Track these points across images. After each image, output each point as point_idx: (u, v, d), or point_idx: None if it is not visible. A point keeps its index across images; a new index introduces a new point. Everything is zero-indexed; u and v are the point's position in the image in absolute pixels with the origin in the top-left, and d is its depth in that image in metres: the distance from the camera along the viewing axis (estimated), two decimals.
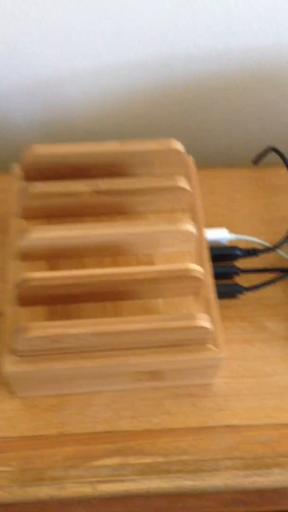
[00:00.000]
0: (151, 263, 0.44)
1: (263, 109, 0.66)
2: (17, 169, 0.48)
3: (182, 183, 0.44)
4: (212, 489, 0.42)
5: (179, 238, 0.42)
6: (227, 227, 0.55)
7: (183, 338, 0.39)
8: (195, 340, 0.39)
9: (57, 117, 0.66)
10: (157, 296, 0.42)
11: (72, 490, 0.41)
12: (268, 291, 0.50)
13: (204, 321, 0.37)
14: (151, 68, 0.61)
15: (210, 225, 0.55)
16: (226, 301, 0.49)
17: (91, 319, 0.37)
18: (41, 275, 0.38)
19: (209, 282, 0.43)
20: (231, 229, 0.54)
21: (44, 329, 0.36)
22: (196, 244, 0.45)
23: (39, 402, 0.45)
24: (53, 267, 0.44)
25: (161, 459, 0.42)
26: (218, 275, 0.47)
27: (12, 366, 0.38)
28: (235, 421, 0.44)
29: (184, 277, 0.39)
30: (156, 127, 0.67)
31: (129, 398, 0.45)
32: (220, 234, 0.49)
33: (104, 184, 0.43)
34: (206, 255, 0.44)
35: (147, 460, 0.42)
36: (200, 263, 0.44)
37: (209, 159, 0.69)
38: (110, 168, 0.47)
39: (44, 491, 0.41)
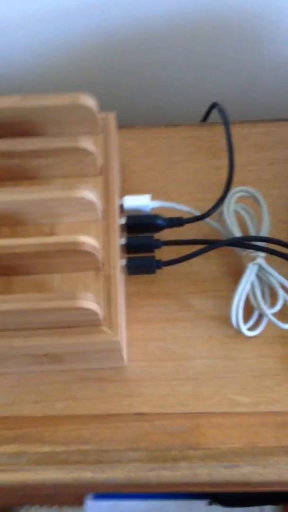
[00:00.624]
0: (52, 234, 0.39)
1: (210, 60, 0.59)
2: None
3: (86, 144, 0.39)
4: (113, 481, 0.38)
5: (78, 206, 0.37)
6: (160, 194, 0.49)
7: (70, 319, 0.35)
8: (86, 322, 0.35)
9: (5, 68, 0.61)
10: (52, 271, 0.38)
11: None
12: (198, 265, 0.45)
13: (86, 302, 0.33)
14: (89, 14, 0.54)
15: (142, 191, 0.49)
16: (151, 276, 0.45)
17: None
18: None
19: (114, 256, 0.38)
20: (165, 196, 0.49)
21: None
22: (104, 213, 0.40)
23: None
24: None
25: (60, 448, 0.39)
26: (136, 248, 0.42)
27: None
28: (145, 408, 0.40)
29: (74, 251, 0.35)
30: (98, 76, 0.61)
31: (34, 381, 0.41)
32: (141, 202, 0.43)
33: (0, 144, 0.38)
34: (115, 225, 0.39)
35: (45, 449, 0.39)
36: (106, 235, 0.39)
37: (152, 118, 0.63)
38: (15, 127, 0.42)
39: None
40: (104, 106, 0.45)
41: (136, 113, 0.65)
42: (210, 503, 0.72)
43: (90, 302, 0.33)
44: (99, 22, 0.55)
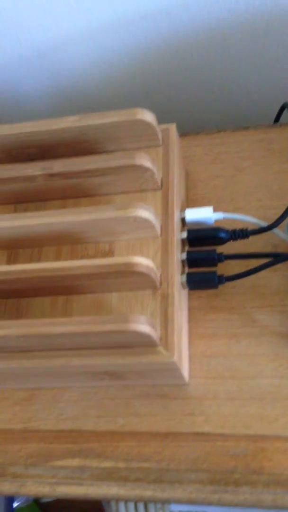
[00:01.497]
0: (111, 252, 0.40)
1: (280, 57, 0.56)
2: None
3: (142, 160, 0.38)
4: (173, 501, 0.38)
5: (134, 224, 0.37)
6: (227, 202, 0.48)
7: (125, 340, 0.35)
8: (141, 343, 0.35)
9: (63, 83, 0.62)
10: (109, 291, 0.38)
11: (31, 488, 0.40)
12: (265, 278, 0.43)
13: (140, 325, 0.32)
14: (150, 20, 0.54)
15: (208, 199, 0.48)
16: (215, 290, 0.43)
17: (20, 321, 0.34)
18: None
19: (172, 274, 0.37)
20: (232, 204, 0.47)
21: None
22: (163, 229, 0.39)
23: (10, 395, 0.44)
24: (11, 257, 0.42)
25: (121, 465, 0.39)
26: (198, 262, 0.41)
27: None
28: (206, 428, 0.39)
29: (128, 272, 0.34)
30: (163, 84, 0.60)
31: (98, 395, 0.42)
32: (203, 214, 0.42)
33: (57, 165, 0.39)
34: (174, 241, 0.39)
35: (107, 464, 0.39)
36: (165, 251, 0.38)
37: (218, 122, 0.61)
38: (75, 145, 0.42)
39: (6, 487, 0.41)
40: (171, 114, 0.44)
41: (205, 120, 0.63)
42: None
43: (143, 326, 0.33)
44: (161, 29, 0.54)
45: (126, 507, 0.88)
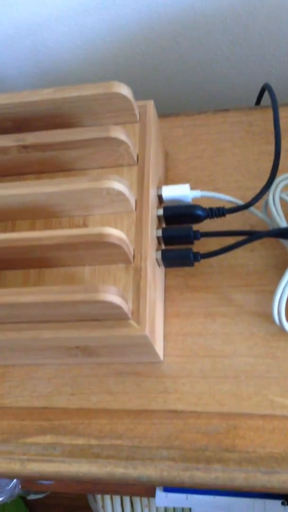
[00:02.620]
0: (85, 225, 0.39)
1: (264, 40, 0.55)
2: None
3: (117, 133, 0.38)
4: (145, 479, 0.37)
5: (108, 197, 0.37)
6: (207, 183, 0.47)
7: (96, 312, 0.34)
8: (113, 315, 0.34)
9: (45, 64, 0.61)
10: (82, 264, 0.37)
11: (1, 465, 0.40)
12: (242, 257, 0.43)
13: (110, 295, 0.32)
14: None
15: (187, 180, 0.48)
16: (192, 269, 0.43)
17: None
18: None
19: (146, 249, 0.37)
20: (211, 185, 0.47)
21: None
22: (138, 204, 0.39)
23: None
24: None
25: (93, 442, 0.39)
26: (174, 240, 0.41)
27: None
28: (180, 406, 0.38)
29: (100, 243, 0.34)
30: (144, 65, 0.60)
31: (72, 373, 0.41)
32: (181, 191, 0.42)
33: (31, 138, 0.39)
34: (148, 216, 0.38)
35: (79, 441, 0.39)
36: (139, 226, 0.38)
37: (200, 105, 0.61)
38: (51, 119, 0.42)
39: None
40: (152, 95, 0.44)
41: (186, 102, 0.63)
42: (283, 504, 0.69)
43: (113, 296, 0.32)
44: (143, 10, 0.54)
45: (112, 504, 0.87)
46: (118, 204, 0.38)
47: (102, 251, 0.36)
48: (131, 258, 0.37)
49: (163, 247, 0.41)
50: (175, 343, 0.41)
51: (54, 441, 0.39)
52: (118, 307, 0.33)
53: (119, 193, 0.37)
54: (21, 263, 0.38)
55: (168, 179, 0.48)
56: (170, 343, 0.41)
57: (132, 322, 0.35)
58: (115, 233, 0.34)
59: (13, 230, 0.40)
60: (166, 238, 0.41)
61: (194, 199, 0.43)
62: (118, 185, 0.36)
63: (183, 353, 0.40)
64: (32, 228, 0.40)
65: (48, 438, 0.39)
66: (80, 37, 0.57)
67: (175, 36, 0.56)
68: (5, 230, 0.40)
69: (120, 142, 0.38)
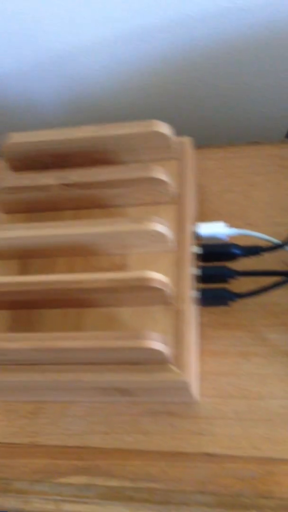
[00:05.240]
0: (124, 265, 0.39)
1: None
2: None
3: (158, 173, 0.38)
4: None
5: (148, 238, 0.37)
6: (239, 217, 0.47)
7: (137, 357, 0.34)
8: (153, 360, 0.34)
9: (77, 93, 0.62)
10: (122, 305, 0.37)
11: (36, 505, 0.39)
12: (276, 296, 0.42)
13: (153, 342, 0.32)
14: (167, 32, 0.53)
15: (220, 214, 0.48)
16: (225, 307, 0.43)
17: (27, 334, 0.34)
18: None
19: (185, 289, 0.37)
20: (244, 220, 0.47)
21: None
22: (177, 243, 0.39)
23: (17, 407, 0.43)
24: (24, 267, 0.41)
25: (128, 484, 0.38)
26: (210, 278, 0.41)
27: None
28: (215, 449, 0.38)
29: (142, 287, 0.34)
30: (177, 96, 0.60)
31: (105, 411, 0.41)
32: (216, 229, 0.42)
33: (73, 176, 0.39)
34: (187, 256, 0.38)
35: (114, 483, 0.39)
36: (178, 266, 0.38)
37: (230, 136, 0.61)
38: (91, 155, 0.42)
39: (11, 503, 0.40)
40: (184, 126, 0.44)
41: (217, 132, 0.63)
42: None
43: (157, 343, 0.32)
44: (176, 42, 0.54)
45: None
46: (158, 244, 0.38)
47: (143, 294, 0.35)
48: (171, 299, 0.37)
49: (198, 285, 0.41)
50: (209, 383, 0.41)
51: (88, 482, 0.39)
52: (161, 353, 0.33)
53: (161, 235, 0.37)
54: (60, 303, 0.38)
55: (200, 212, 0.48)
56: (204, 383, 0.41)
57: (173, 367, 0.35)
58: (157, 277, 0.34)
59: (52, 267, 0.40)
60: (203, 277, 0.40)
61: (229, 236, 0.43)
62: (161, 228, 0.36)
63: (218, 393, 0.40)
64: (71, 265, 0.40)
65: (82, 479, 0.39)
66: (113, 68, 0.58)
67: (206, 67, 0.56)
68: (43, 267, 0.40)
69: (161, 182, 0.38)
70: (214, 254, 0.41)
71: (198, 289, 0.40)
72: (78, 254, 0.40)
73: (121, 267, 0.39)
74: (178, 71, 0.57)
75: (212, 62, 0.55)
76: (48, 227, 0.37)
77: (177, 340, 0.36)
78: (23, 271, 0.40)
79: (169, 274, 0.37)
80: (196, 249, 0.41)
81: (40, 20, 0.53)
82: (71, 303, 0.38)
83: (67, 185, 0.39)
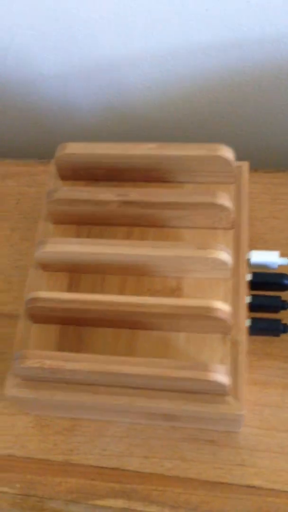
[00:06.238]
0: (178, 288, 0.38)
1: None
2: (52, 166, 0.45)
3: (223, 200, 0.37)
4: None
5: (210, 265, 0.36)
6: (284, 245, 0.47)
7: (196, 387, 0.33)
8: (211, 390, 0.33)
9: (117, 101, 0.61)
10: (178, 330, 0.37)
11: None
12: None
13: (219, 375, 0.31)
14: (219, 51, 0.53)
15: (266, 241, 0.47)
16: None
17: (90, 355, 0.33)
18: (49, 295, 0.35)
19: (242, 319, 0.36)
20: None
21: (41, 360, 0.33)
22: (233, 270, 0.38)
23: (52, 423, 0.42)
24: (72, 281, 0.40)
25: (167, 511, 0.37)
26: (260, 307, 0.40)
27: (13, 390, 0.36)
28: (258, 481, 0.38)
29: (206, 315, 0.33)
30: (222, 116, 0.60)
31: (144, 433, 0.40)
32: (269, 258, 0.41)
33: (133, 194, 0.38)
34: (243, 284, 0.38)
35: (153, 509, 0.38)
36: (235, 294, 0.37)
37: (274, 161, 0.61)
38: (147, 173, 0.41)
39: None
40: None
41: (263, 157, 0.62)
42: None
43: (221, 376, 0.32)
44: (226, 60, 0.53)
45: None
46: (217, 271, 0.37)
47: (205, 322, 0.35)
48: (230, 329, 0.36)
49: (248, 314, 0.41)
50: (252, 413, 0.40)
51: (126, 506, 0.38)
52: (224, 386, 0.32)
53: (223, 263, 0.36)
54: (115, 323, 0.37)
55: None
56: (247, 413, 0.40)
57: (230, 399, 0.34)
58: (222, 307, 0.34)
59: (102, 284, 0.39)
60: (254, 306, 0.40)
61: (280, 266, 0.42)
62: (224, 256, 0.36)
63: (261, 425, 0.40)
64: (122, 284, 0.39)
65: (120, 503, 0.38)
66: (161, 81, 0.57)
67: (257, 87, 0.55)
68: (94, 283, 0.40)
69: (224, 208, 0.38)
70: (265, 283, 0.41)
71: (251, 319, 0.39)
72: (131, 273, 0.39)
73: (175, 291, 0.38)
74: (222, 88, 0.56)
75: (265, 84, 0.55)
76: (109, 245, 0.36)
77: (234, 371, 0.35)
78: (72, 286, 0.40)
79: (227, 302, 0.37)
80: (248, 277, 0.41)
81: (93, 26, 0.52)
82: (125, 323, 0.37)
83: (126, 202, 0.38)
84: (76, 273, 0.40)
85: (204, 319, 0.34)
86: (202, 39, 0.52)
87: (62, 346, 0.37)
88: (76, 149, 0.40)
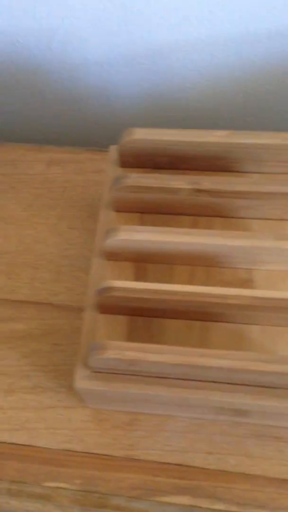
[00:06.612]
0: (250, 280, 0.37)
1: None
2: (113, 153, 0.43)
3: None
4: None
5: (286, 256, 0.35)
6: None
7: (280, 382, 0.32)
8: None
9: (160, 89, 0.59)
10: (251, 322, 0.35)
11: None
12: None
13: None
14: (274, 39, 0.52)
15: None
16: None
17: (173, 347, 0.32)
18: (124, 285, 0.33)
19: None
20: None
21: (121, 351, 0.31)
22: None
23: (110, 417, 0.41)
24: (139, 271, 0.38)
25: (234, 509, 0.36)
26: None
27: (85, 383, 0.34)
28: None
29: (286, 308, 0.32)
30: (273, 108, 0.59)
31: (207, 429, 0.39)
32: None
33: (206, 182, 0.37)
34: None
35: (220, 506, 0.37)
36: None
37: None
38: (213, 161, 0.40)
39: None
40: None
41: None
42: None
43: None
44: (277, 53, 0.52)
45: None
46: None
47: (283, 315, 0.34)
48: None
49: None
50: None
51: (192, 503, 0.37)
52: None
53: None
54: (187, 315, 0.36)
55: None
56: None
57: None
58: None
59: (171, 274, 0.38)
60: None
61: None
62: None
63: None
64: (191, 275, 0.38)
65: (185, 499, 0.37)
66: (206, 68, 0.56)
67: None
68: (161, 274, 0.38)
69: None
70: None
71: None
72: (201, 264, 0.38)
73: (246, 282, 0.37)
74: (277, 80, 0.55)
75: None
76: (186, 234, 0.35)
77: None
78: (140, 275, 0.38)
79: None
80: None
81: (145, 10, 0.51)
82: (199, 315, 0.36)
83: (198, 190, 0.37)
84: (142, 263, 0.38)
85: (284, 311, 0.33)
86: (255, 28, 0.51)
87: (131, 338, 0.36)
88: (144, 135, 0.39)
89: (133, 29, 0.53)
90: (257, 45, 0.52)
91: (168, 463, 0.39)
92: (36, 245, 0.49)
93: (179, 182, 0.37)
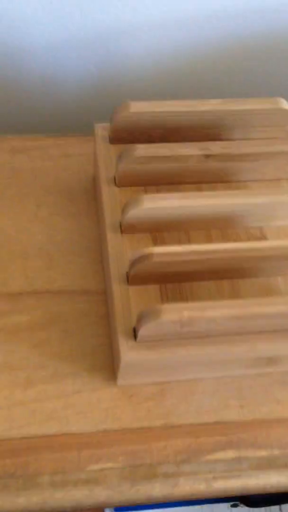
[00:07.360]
0: (263, 237, 0.39)
1: None
2: (100, 130, 0.43)
3: None
4: None
5: None
6: None
7: None
8: None
9: (113, 74, 0.60)
10: (275, 274, 0.38)
11: (184, 488, 0.38)
12: None
13: None
14: (221, 20, 0.55)
15: None
16: None
17: (228, 301, 0.33)
18: (166, 250, 0.33)
19: None
20: None
21: (179, 312, 0.32)
22: None
23: (137, 391, 0.40)
24: (157, 240, 0.39)
25: (277, 452, 0.39)
26: None
27: (133, 354, 0.34)
28: None
29: None
30: (220, 87, 0.62)
31: (234, 385, 0.41)
32: None
33: (215, 147, 0.38)
34: None
35: (263, 453, 0.39)
36: None
37: None
38: (204, 131, 0.42)
39: (156, 489, 0.38)
40: None
41: None
42: (234, 505, 0.72)
43: None
44: (228, 33, 0.56)
45: None
46: None
47: None
48: None
49: None
50: None
51: (237, 456, 0.39)
52: None
53: None
54: (215, 275, 0.37)
55: None
56: None
57: None
58: None
59: (188, 241, 0.39)
60: None
61: None
62: None
63: None
64: (208, 238, 0.39)
65: (230, 453, 0.39)
66: (159, 51, 0.57)
67: (252, 56, 0.58)
68: (178, 241, 0.39)
69: None
70: None
71: None
72: (214, 227, 0.39)
73: (260, 239, 0.40)
74: (231, 61, 0.58)
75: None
76: (207, 197, 0.36)
77: None
78: (158, 244, 0.39)
79: None
80: None
81: None
82: (226, 274, 0.37)
83: (208, 156, 0.39)
84: (159, 232, 0.39)
85: None
86: (206, 8, 0.53)
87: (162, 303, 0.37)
88: (141, 108, 0.40)
89: (80, 11, 0.53)
90: (206, 27, 0.55)
91: (206, 423, 0.40)
92: (20, 235, 0.47)
93: (189, 149, 0.38)
